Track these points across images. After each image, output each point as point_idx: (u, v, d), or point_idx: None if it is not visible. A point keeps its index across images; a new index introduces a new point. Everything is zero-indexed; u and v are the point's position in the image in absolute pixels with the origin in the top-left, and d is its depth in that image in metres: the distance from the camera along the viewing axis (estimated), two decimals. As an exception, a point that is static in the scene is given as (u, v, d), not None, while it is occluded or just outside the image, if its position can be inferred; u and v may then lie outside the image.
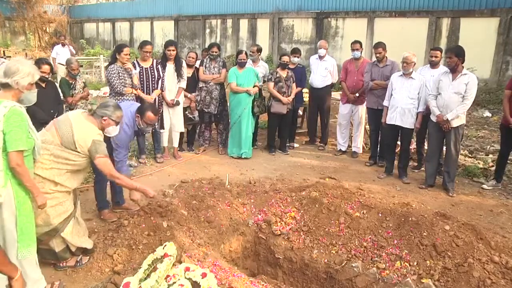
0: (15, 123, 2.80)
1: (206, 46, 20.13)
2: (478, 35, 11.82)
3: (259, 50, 7.52)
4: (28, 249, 3.00)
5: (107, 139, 3.81)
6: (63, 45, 11.84)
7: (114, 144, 4.27)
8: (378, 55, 6.45)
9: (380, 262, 3.90)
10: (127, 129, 4.28)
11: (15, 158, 2.80)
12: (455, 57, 5.27)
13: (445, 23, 12.66)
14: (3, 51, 8.06)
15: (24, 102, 3.03)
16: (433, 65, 6.13)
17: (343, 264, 3.96)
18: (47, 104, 5.19)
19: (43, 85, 5.27)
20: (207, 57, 6.90)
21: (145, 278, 3.09)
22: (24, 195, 2.95)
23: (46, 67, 5.35)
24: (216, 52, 6.78)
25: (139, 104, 4.67)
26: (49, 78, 5.59)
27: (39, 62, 5.34)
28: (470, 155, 7.28)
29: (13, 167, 2.81)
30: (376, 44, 6.51)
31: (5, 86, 2.90)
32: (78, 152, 3.40)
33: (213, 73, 6.78)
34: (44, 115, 4.91)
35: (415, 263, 3.82)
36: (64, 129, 3.40)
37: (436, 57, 6.09)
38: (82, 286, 3.41)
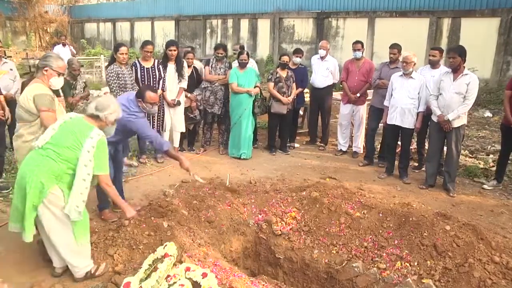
0: (104, 151, 3.29)
1: (207, 46, 20.21)
2: (479, 35, 11.82)
3: (242, 48, 7.55)
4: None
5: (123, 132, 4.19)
6: (64, 45, 11.85)
7: (141, 136, 4.65)
8: (392, 55, 6.45)
9: (380, 262, 3.90)
10: (139, 116, 4.32)
11: (105, 179, 3.35)
12: (459, 57, 5.26)
13: (446, 23, 12.66)
14: (4, 51, 8.05)
15: (105, 133, 3.41)
16: (432, 64, 6.13)
17: (343, 264, 3.96)
18: None
19: None
20: (213, 57, 6.91)
21: (146, 278, 3.09)
22: None
23: None
24: (222, 53, 6.81)
25: (134, 92, 4.73)
26: None
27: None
28: (471, 155, 7.28)
29: (103, 186, 3.37)
30: (393, 45, 6.50)
31: (95, 117, 3.35)
32: (31, 113, 3.68)
33: (218, 74, 6.80)
34: None
35: (416, 263, 3.82)
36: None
37: (433, 56, 6.09)
38: (83, 286, 3.41)
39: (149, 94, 4.29)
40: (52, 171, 3.12)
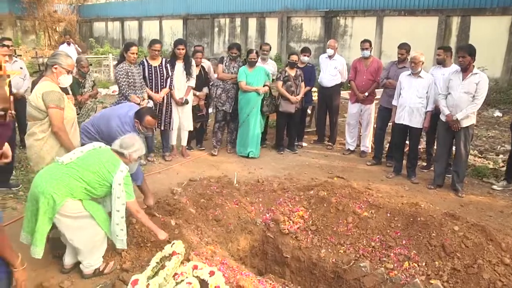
0: (130, 182, 3.47)
1: (215, 45, 20.23)
2: (489, 33, 11.69)
3: (269, 48, 7.56)
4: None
5: None
6: (69, 44, 11.90)
7: None
8: (400, 55, 6.42)
9: (388, 262, 3.89)
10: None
11: (134, 206, 3.49)
12: (468, 56, 5.21)
13: (455, 21, 12.55)
14: (15, 50, 8.16)
15: (129, 169, 3.53)
16: (438, 63, 6.10)
17: (351, 264, 3.95)
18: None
19: None
20: (227, 56, 6.94)
21: (153, 276, 3.10)
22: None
23: None
24: (235, 53, 6.83)
25: (137, 107, 4.63)
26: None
27: None
28: (480, 155, 7.22)
29: (133, 213, 3.53)
30: (401, 45, 6.46)
31: (119, 153, 3.52)
32: (41, 110, 3.70)
33: (231, 73, 6.82)
34: None
35: (424, 264, 3.80)
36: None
37: (438, 55, 6.07)
38: (91, 283, 3.44)
39: (148, 119, 4.24)
40: (70, 187, 3.23)
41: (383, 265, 3.87)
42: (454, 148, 5.71)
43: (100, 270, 3.52)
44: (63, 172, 3.28)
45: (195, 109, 6.80)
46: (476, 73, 5.27)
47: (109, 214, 3.50)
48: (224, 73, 6.83)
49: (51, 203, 3.16)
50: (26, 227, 3.34)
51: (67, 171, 3.28)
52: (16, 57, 7.11)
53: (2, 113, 1.77)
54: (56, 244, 3.61)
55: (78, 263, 3.54)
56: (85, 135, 4.37)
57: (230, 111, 6.89)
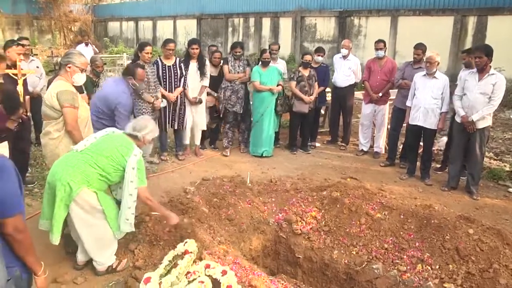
0: (143, 167, 3.48)
1: (229, 45, 20.28)
2: (507, 33, 11.45)
3: (278, 47, 7.55)
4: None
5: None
6: (86, 44, 12.02)
7: (119, 113, 4.84)
8: (415, 56, 6.36)
9: (401, 265, 3.86)
10: (126, 96, 4.97)
11: (145, 193, 3.50)
12: (485, 57, 5.13)
13: (471, 21, 12.36)
14: (31, 49, 8.27)
15: (143, 151, 3.62)
16: (466, 67, 5.99)
17: (363, 266, 3.93)
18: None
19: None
20: (231, 56, 6.88)
21: (166, 274, 3.12)
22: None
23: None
24: (239, 52, 6.76)
25: (121, 79, 5.25)
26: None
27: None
28: (495, 158, 7.12)
29: (143, 199, 3.51)
30: (417, 45, 6.39)
31: (133, 137, 3.54)
32: (55, 109, 3.75)
33: (238, 72, 6.76)
34: None
35: (437, 267, 3.76)
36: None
37: (463, 59, 6.01)
38: (104, 280, 3.48)
39: (139, 71, 4.94)
40: (86, 174, 3.27)
41: (395, 267, 3.84)
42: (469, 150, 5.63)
43: (113, 267, 3.55)
44: (78, 159, 3.32)
45: (212, 110, 6.82)
46: (493, 74, 5.19)
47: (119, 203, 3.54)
48: (231, 74, 6.75)
49: (67, 190, 3.20)
50: (45, 214, 3.39)
51: (82, 157, 3.32)
52: (32, 56, 7.22)
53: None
54: (69, 241, 3.65)
55: (91, 260, 3.58)
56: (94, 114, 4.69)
57: (241, 111, 6.85)
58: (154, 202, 3.67)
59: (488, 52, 5.15)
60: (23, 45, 6.24)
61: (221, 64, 6.91)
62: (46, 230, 3.39)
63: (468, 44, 12.00)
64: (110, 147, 3.38)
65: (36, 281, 2.12)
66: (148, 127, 3.61)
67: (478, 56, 5.17)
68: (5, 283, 1.75)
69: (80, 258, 3.58)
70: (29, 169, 5.60)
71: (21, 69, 5.58)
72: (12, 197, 1.84)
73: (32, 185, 5.33)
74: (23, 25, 28.08)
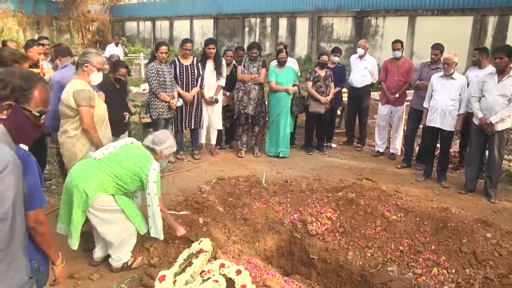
0: (159, 180, 3.53)
1: (245, 45, 20.29)
2: (529, 34, 11.26)
3: (285, 47, 7.45)
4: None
5: None
6: (117, 44, 12.10)
7: None
8: (433, 56, 6.28)
9: (416, 268, 3.82)
10: None
11: (159, 202, 3.54)
12: (506, 57, 5.03)
13: (492, 21, 12.14)
14: (51, 49, 8.46)
15: (160, 165, 3.64)
16: (474, 65, 5.99)
17: (378, 268, 3.90)
18: (118, 104, 5.02)
19: (117, 86, 5.16)
20: (246, 57, 6.79)
21: (180, 272, 3.15)
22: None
23: (123, 70, 5.19)
24: (256, 53, 6.63)
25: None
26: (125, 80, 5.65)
27: (117, 65, 5.23)
28: (515, 160, 6.99)
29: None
30: (435, 45, 6.31)
31: (151, 149, 3.61)
32: (72, 108, 3.76)
33: (251, 73, 6.64)
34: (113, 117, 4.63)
35: (454, 271, 3.71)
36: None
37: (474, 56, 6.08)
38: (119, 277, 3.52)
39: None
40: (102, 182, 3.31)
41: (411, 270, 3.80)
42: (487, 152, 5.55)
43: (128, 264, 3.60)
44: (96, 167, 3.37)
45: (226, 109, 6.84)
46: (513, 75, 5.10)
47: (140, 208, 3.60)
48: (244, 74, 6.66)
49: (84, 197, 3.25)
50: (62, 219, 3.45)
51: (99, 166, 3.37)
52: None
53: (38, 114, 1.84)
54: (86, 238, 3.70)
55: (107, 257, 3.63)
56: None
57: (253, 113, 6.65)
58: (166, 213, 3.72)
59: (509, 52, 5.05)
60: (43, 45, 6.35)
61: (233, 63, 6.90)
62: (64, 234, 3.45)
63: (488, 44, 11.80)
64: (129, 158, 3.43)
65: (54, 271, 2.18)
66: (167, 142, 3.66)
67: (499, 57, 5.07)
68: (28, 280, 1.79)
69: (97, 254, 3.64)
70: (47, 166, 5.70)
71: (43, 68, 5.68)
72: (34, 191, 1.88)
73: (50, 182, 5.43)
74: (43, 25, 28.62)
